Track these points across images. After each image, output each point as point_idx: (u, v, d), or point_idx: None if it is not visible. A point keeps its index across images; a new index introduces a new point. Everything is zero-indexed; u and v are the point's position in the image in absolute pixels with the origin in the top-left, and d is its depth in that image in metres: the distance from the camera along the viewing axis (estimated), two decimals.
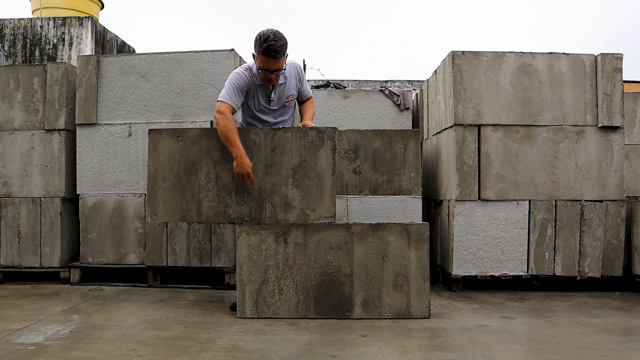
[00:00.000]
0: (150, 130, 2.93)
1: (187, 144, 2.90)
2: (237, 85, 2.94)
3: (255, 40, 2.86)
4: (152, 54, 3.79)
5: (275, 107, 3.11)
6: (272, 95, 3.04)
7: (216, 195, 2.89)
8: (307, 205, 2.88)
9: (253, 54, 2.93)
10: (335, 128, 2.93)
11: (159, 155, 2.92)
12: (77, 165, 3.83)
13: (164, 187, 2.90)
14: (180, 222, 3.43)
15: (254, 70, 2.97)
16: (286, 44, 2.87)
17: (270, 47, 2.79)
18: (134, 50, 11.18)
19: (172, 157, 2.91)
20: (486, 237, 3.55)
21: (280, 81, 3.03)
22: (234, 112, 2.93)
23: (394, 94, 4.76)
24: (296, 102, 3.27)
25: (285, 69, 3.00)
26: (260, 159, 2.89)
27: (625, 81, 4.71)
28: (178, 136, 2.91)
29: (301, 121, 3.17)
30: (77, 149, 3.84)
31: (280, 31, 2.88)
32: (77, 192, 3.84)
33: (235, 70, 3.03)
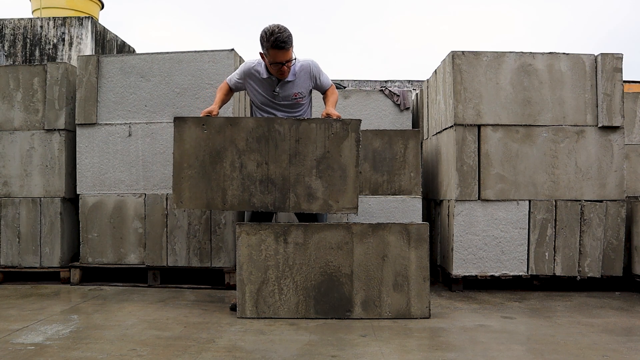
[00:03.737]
0: (176, 119, 2.93)
1: (212, 133, 2.90)
2: (239, 74, 3.21)
3: (261, 37, 2.95)
4: (152, 54, 3.79)
5: (282, 102, 3.17)
6: (277, 89, 3.13)
7: (241, 184, 2.89)
8: (330, 196, 2.87)
9: (261, 53, 3.02)
10: (360, 120, 2.92)
11: (184, 144, 2.91)
12: (77, 165, 3.83)
13: (190, 175, 2.90)
14: (206, 210, 3.40)
15: (262, 66, 3.10)
16: (291, 34, 2.96)
17: (278, 39, 2.90)
18: (134, 50, 11.18)
19: (197, 146, 2.90)
20: (486, 237, 3.55)
21: (290, 79, 3.12)
22: (231, 88, 3.25)
23: (394, 94, 4.76)
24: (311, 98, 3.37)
25: (294, 64, 3.10)
26: (285, 149, 2.88)
27: (625, 81, 4.70)
28: (203, 125, 2.91)
29: (325, 106, 3.24)
30: (77, 149, 3.84)
31: (282, 24, 2.99)
32: (77, 192, 3.84)
33: (247, 60, 3.25)
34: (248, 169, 2.89)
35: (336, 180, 2.87)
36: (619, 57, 3.58)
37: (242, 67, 3.20)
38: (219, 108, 3.16)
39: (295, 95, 3.17)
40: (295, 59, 3.06)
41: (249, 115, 3.71)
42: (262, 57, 3.05)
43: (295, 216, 3.25)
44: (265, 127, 2.88)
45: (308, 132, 2.88)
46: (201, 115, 2.99)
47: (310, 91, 3.28)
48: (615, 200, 3.59)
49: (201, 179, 2.90)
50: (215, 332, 2.56)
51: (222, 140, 2.90)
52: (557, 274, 3.56)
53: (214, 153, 2.90)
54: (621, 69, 3.59)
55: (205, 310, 3.01)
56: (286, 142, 2.88)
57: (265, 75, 3.10)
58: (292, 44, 2.97)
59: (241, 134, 2.89)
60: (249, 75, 3.16)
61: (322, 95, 3.35)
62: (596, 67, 3.60)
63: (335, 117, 2.99)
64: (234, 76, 3.24)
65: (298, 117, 3.20)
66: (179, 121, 2.93)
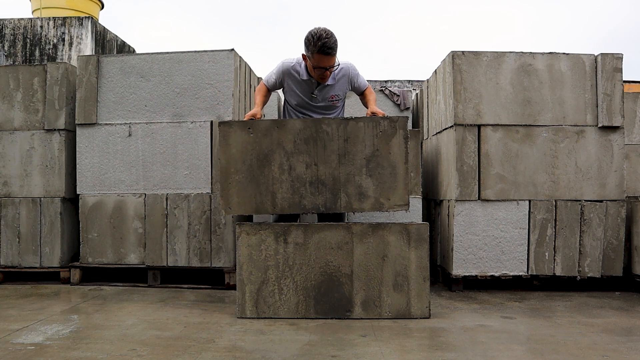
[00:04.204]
0: (221, 123, 2.91)
1: (258, 136, 2.88)
2: (276, 72, 3.22)
3: (307, 40, 2.93)
4: (152, 54, 3.79)
5: (319, 104, 3.20)
6: (316, 92, 3.14)
7: (290, 186, 2.87)
8: (381, 194, 2.86)
9: (303, 55, 3.02)
10: (407, 117, 2.92)
11: (230, 148, 2.89)
12: (77, 165, 3.83)
13: (237, 179, 2.88)
14: (255, 214, 3.34)
15: (302, 66, 3.09)
16: (337, 40, 2.95)
17: (325, 44, 2.89)
18: (134, 50, 11.19)
19: (244, 150, 2.88)
20: (486, 237, 3.55)
21: (330, 82, 3.13)
22: (268, 89, 3.26)
23: (394, 94, 4.77)
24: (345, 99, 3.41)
25: (335, 68, 3.10)
26: (334, 149, 2.87)
27: (625, 81, 4.70)
28: (249, 128, 2.88)
29: (367, 108, 3.27)
30: (77, 149, 3.84)
31: (329, 28, 2.97)
32: (77, 192, 3.84)
33: (284, 58, 3.23)
34: (297, 170, 2.87)
35: (386, 178, 2.86)
36: (619, 57, 3.58)
37: (279, 66, 3.19)
38: (261, 110, 3.15)
39: (332, 98, 3.21)
40: (338, 64, 3.06)
41: (281, 115, 3.72)
42: (305, 59, 3.04)
43: (317, 215, 3.27)
44: (312, 128, 2.87)
45: (356, 131, 2.86)
46: (245, 119, 2.97)
47: (346, 93, 3.31)
48: (615, 200, 3.58)
49: (249, 184, 2.87)
50: (215, 332, 2.56)
51: (270, 143, 2.87)
52: (557, 274, 3.56)
53: (262, 156, 2.87)
54: (621, 69, 3.59)
55: (205, 310, 3.01)
56: (334, 142, 2.86)
57: (305, 77, 3.10)
58: (337, 49, 2.95)
59: (288, 135, 2.87)
60: (288, 74, 3.16)
61: (359, 96, 3.39)
62: (596, 67, 3.60)
63: (381, 116, 2.99)
64: (270, 76, 3.23)
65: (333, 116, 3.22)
66: (224, 125, 2.90)
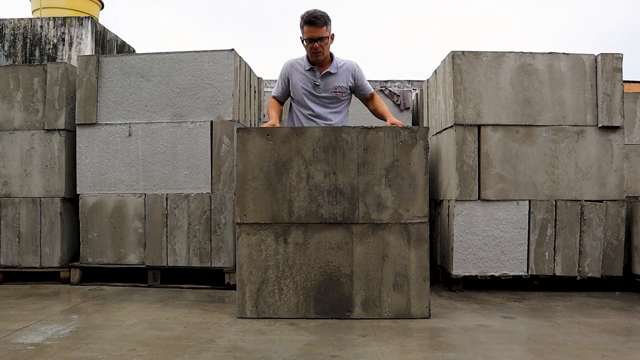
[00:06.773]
0: (239, 129, 2.89)
1: (277, 143, 2.86)
2: (280, 75, 3.36)
3: (300, 19, 3.15)
4: (152, 54, 3.79)
5: (322, 94, 3.28)
6: (318, 80, 3.25)
7: (308, 195, 2.85)
8: (400, 205, 2.85)
9: (300, 37, 3.20)
10: (428, 128, 2.92)
11: (248, 155, 2.87)
12: (77, 165, 3.83)
13: (254, 186, 2.86)
14: (271, 222, 3.31)
15: (304, 60, 3.27)
16: (327, 16, 3.14)
17: (311, 14, 3.10)
18: (134, 50, 11.19)
19: (261, 157, 2.86)
20: (486, 237, 3.55)
21: (332, 71, 3.26)
22: (278, 100, 3.37)
23: (394, 94, 4.77)
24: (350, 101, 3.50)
25: (338, 61, 3.27)
26: (353, 158, 2.85)
27: (625, 81, 4.70)
28: (268, 135, 2.87)
29: (376, 116, 3.42)
30: (77, 149, 3.84)
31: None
32: (77, 192, 3.84)
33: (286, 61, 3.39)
34: (315, 179, 2.85)
35: (406, 189, 2.85)
36: (619, 57, 3.58)
37: (282, 67, 3.34)
38: (278, 122, 3.21)
39: (336, 89, 3.28)
40: (343, 63, 3.26)
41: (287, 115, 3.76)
42: (302, 41, 3.19)
43: None
44: (332, 136, 2.85)
45: (376, 140, 2.85)
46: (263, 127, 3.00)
47: (350, 92, 3.38)
48: (615, 200, 3.58)
49: (266, 191, 2.86)
50: (215, 332, 2.56)
51: (288, 151, 2.85)
52: (557, 274, 3.56)
53: (280, 164, 2.86)
54: (621, 69, 3.59)
55: (205, 310, 3.01)
56: (354, 151, 2.85)
57: (307, 67, 3.24)
58: (326, 23, 3.12)
59: (307, 143, 2.86)
60: (293, 66, 3.30)
61: (365, 106, 3.48)
62: (596, 67, 3.60)
63: (401, 126, 3.00)
64: (276, 86, 3.36)
65: (337, 112, 3.32)
66: (242, 132, 2.88)
